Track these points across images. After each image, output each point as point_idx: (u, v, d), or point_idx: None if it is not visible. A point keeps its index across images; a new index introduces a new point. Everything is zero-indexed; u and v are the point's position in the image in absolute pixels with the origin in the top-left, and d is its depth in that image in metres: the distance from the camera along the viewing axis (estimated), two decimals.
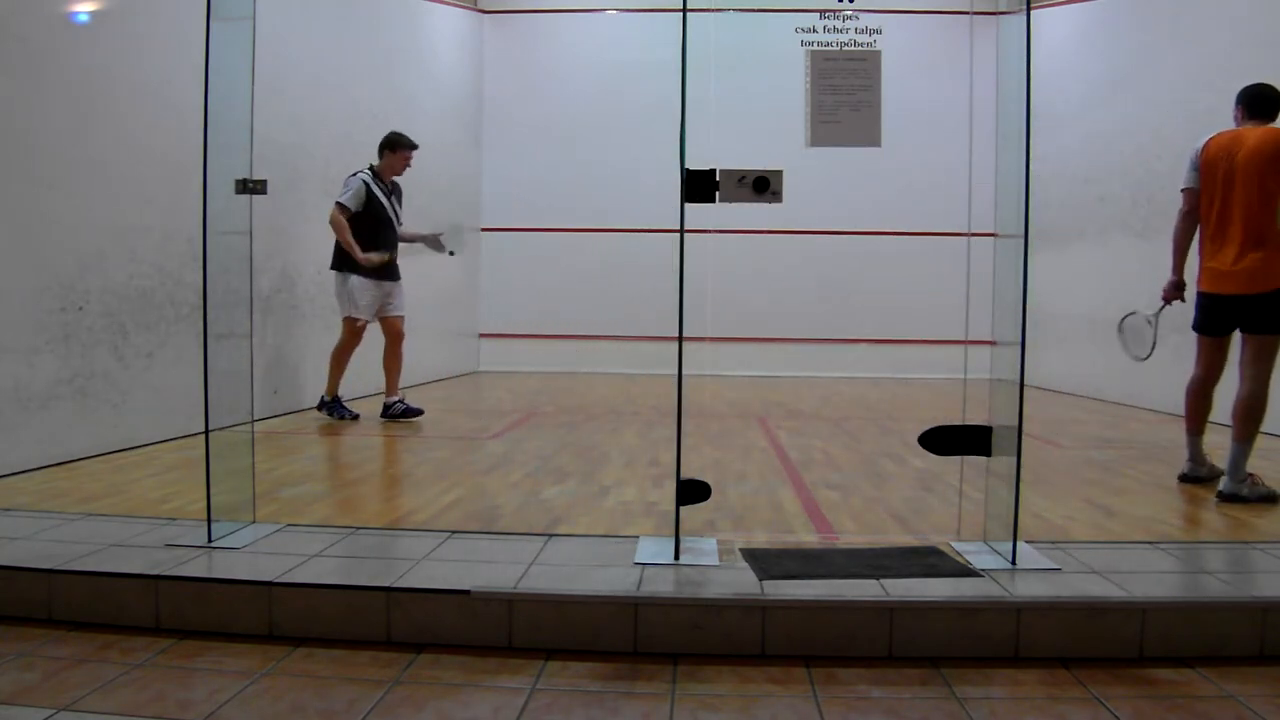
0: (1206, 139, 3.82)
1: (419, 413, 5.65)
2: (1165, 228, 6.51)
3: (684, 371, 2.80)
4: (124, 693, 2.10)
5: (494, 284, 9.36)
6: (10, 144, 3.87)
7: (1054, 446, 5.01)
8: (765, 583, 2.50)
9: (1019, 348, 2.67)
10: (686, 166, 2.74)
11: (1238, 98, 3.82)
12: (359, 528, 3.06)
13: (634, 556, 2.74)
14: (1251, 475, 3.64)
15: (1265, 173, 3.55)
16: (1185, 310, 4.04)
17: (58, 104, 4.08)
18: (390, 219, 5.59)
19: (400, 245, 5.74)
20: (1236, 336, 3.80)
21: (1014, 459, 2.70)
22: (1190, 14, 6.56)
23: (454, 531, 3.03)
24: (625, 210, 8.86)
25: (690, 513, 2.95)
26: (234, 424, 2.95)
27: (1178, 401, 4.07)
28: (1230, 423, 3.67)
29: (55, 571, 2.54)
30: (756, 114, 7.67)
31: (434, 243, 5.92)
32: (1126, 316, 4.30)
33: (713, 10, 3.25)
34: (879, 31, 2.85)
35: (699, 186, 2.74)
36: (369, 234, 5.45)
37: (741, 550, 2.81)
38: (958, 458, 2.95)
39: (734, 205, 2.76)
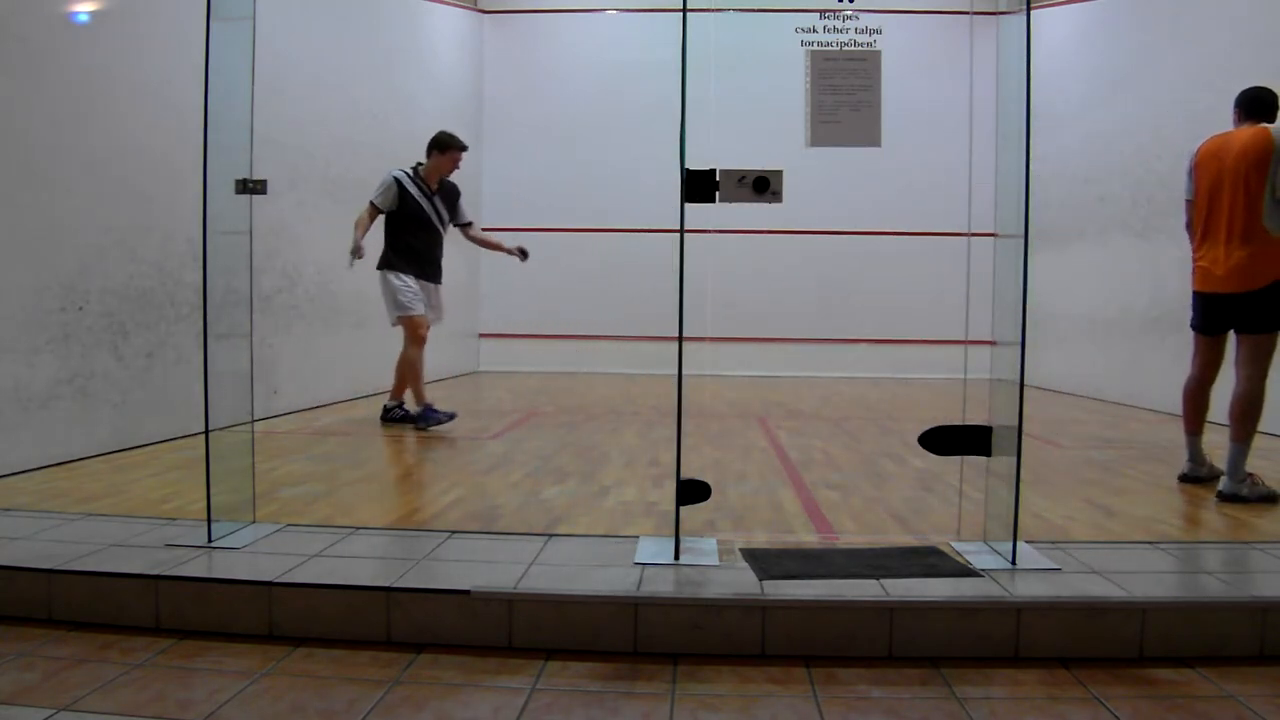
0: (1199, 144, 3.86)
1: (414, 420, 5.53)
2: (1165, 227, 6.57)
3: (684, 371, 2.80)
4: (124, 693, 2.10)
5: (494, 284, 9.35)
6: (10, 144, 3.87)
7: (1054, 446, 5.01)
8: (765, 583, 2.50)
9: (1019, 348, 2.67)
10: (686, 166, 2.74)
11: (1236, 101, 3.83)
12: (359, 528, 3.06)
13: (634, 556, 2.74)
14: (1251, 475, 3.64)
15: (1250, 172, 3.58)
16: (1184, 309, 4.05)
17: (58, 104, 4.08)
18: (430, 220, 5.40)
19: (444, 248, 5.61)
20: (1232, 336, 3.80)
21: (1014, 459, 2.70)
22: (1190, 14, 6.57)
23: (454, 531, 3.03)
24: (625, 210, 8.86)
25: (690, 513, 2.95)
26: (234, 424, 2.95)
27: (1177, 401, 4.07)
28: (1228, 423, 3.68)
29: (55, 571, 2.54)
30: (756, 114, 7.67)
31: (519, 254, 5.85)
32: None
33: (713, 10, 3.25)
34: (879, 31, 2.85)
35: (699, 186, 2.74)
36: (405, 234, 5.29)
37: (741, 550, 2.81)
38: (958, 458, 2.95)
39: (734, 205, 2.76)
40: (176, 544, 2.79)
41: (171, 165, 4.60)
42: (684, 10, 2.69)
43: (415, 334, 5.34)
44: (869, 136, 2.83)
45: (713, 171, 2.74)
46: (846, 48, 2.84)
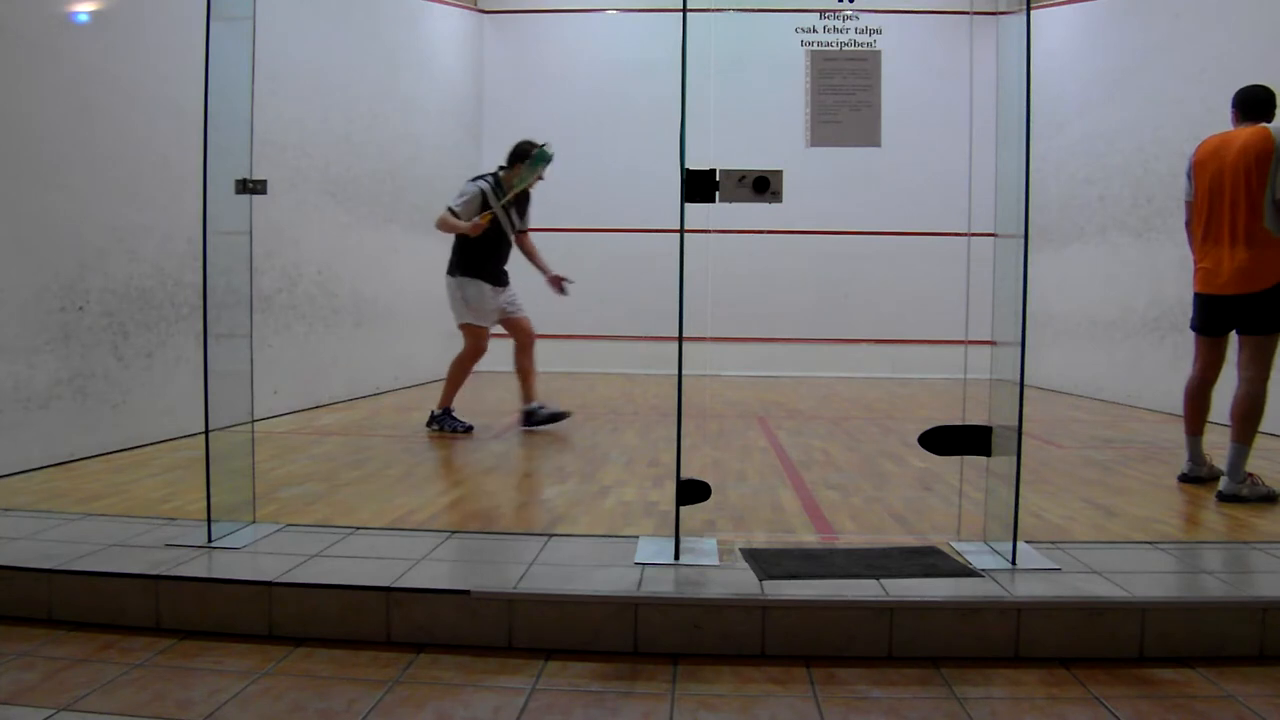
0: (1198, 145, 3.86)
1: (565, 415, 5.47)
2: (1165, 227, 6.58)
3: (684, 371, 2.80)
4: (124, 693, 2.10)
5: None
6: (10, 144, 3.87)
7: (1054, 446, 5.01)
8: (765, 583, 2.50)
9: (1019, 348, 2.67)
10: (686, 166, 2.74)
11: (1233, 100, 3.83)
12: (359, 528, 3.06)
13: (634, 556, 2.74)
14: (1251, 475, 3.64)
15: (1252, 172, 3.57)
16: (1184, 309, 4.05)
17: (58, 104, 4.08)
18: (506, 231, 5.31)
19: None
20: (1234, 337, 3.81)
21: (1014, 459, 2.70)
22: (1190, 14, 6.57)
23: (454, 531, 3.03)
24: (625, 210, 8.86)
25: (690, 513, 2.95)
26: (234, 424, 2.95)
27: (1178, 401, 4.07)
28: (1229, 423, 3.68)
29: (55, 571, 2.54)
30: (756, 114, 7.68)
31: (556, 284, 5.71)
32: None
33: (713, 10, 3.25)
34: (879, 31, 2.85)
35: (699, 186, 2.74)
36: (481, 242, 5.16)
37: (741, 550, 2.81)
38: (958, 458, 2.95)
39: (734, 205, 2.76)
40: (176, 544, 2.79)
41: (171, 165, 4.60)
42: (684, 10, 2.69)
43: (478, 344, 5.32)
44: (869, 136, 2.83)
45: (713, 171, 2.74)
46: (846, 48, 2.84)
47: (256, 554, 2.73)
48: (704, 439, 5.10)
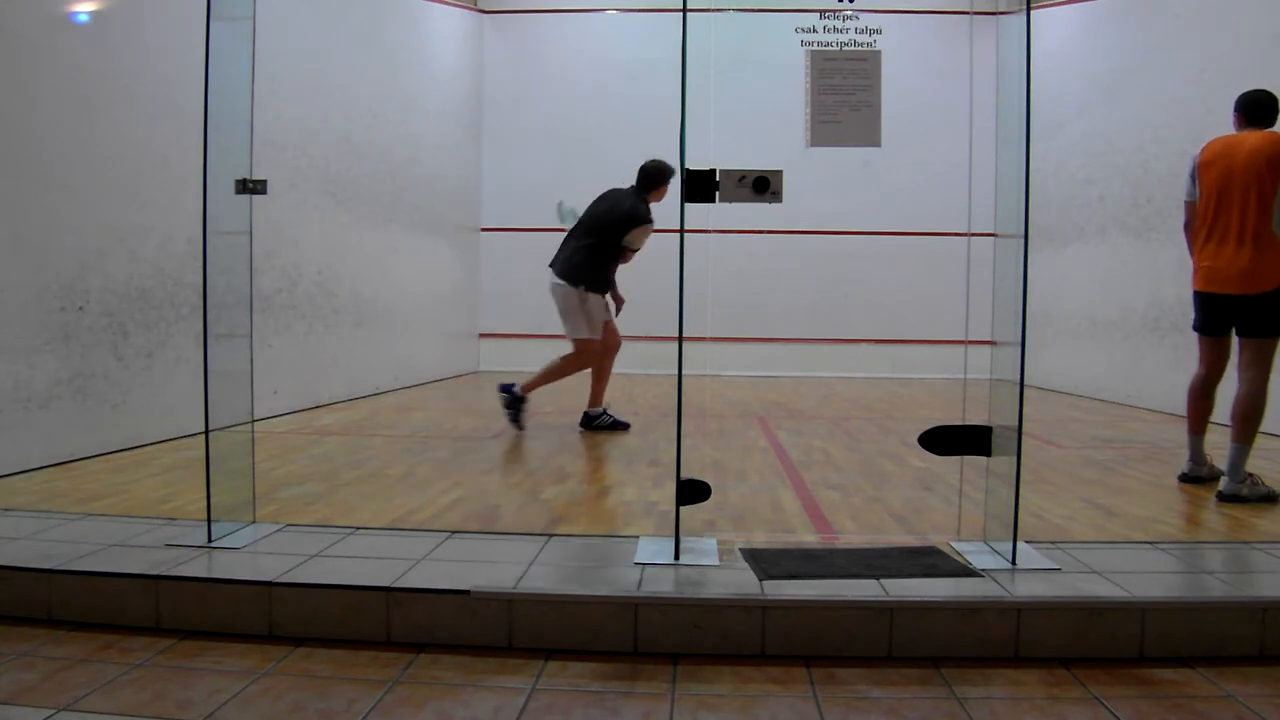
0: (1202, 146, 3.84)
1: (625, 427, 5.43)
2: (1164, 227, 6.58)
3: (684, 371, 2.80)
4: (124, 693, 2.10)
5: (494, 284, 9.35)
6: (10, 144, 3.87)
7: (1054, 446, 5.01)
8: (765, 583, 2.50)
9: (1019, 348, 2.67)
10: (686, 166, 2.74)
11: (1236, 104, 3.82)
12: (359, 528, 3.06)
13: (634, 556, 2.74)
14: (1251, 475, 3.64)
15: (1264, 175, 3.57)
16: (1184, 309, 4.05)
17: (58, 104, 4.08)
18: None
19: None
20: (1235, 336, 3.81)
21: (1014, 459, 2.70)
22: (1190, 14, 6.57)
23: (454, 531, 3.03)
24: None
25: (690, 513, 2.95)
26: (234, 424, 2.95)
27: (1178, 401, 4.07)
28: (1230, 423, 3.68)
29: (55, 571, 2.54)
30: (756, 114, 7.67)
31: (619, 302, 5.61)
32: None
33: (713, 10, 3.25)
34: (879, 31, 2.85)
35: (699, 186, 2.74)
36: (613, 260, 5.27)
37: (741, 550, 2.81)
38: (958, 458, 2.95)
39: (734, 205, 2.76)
40: (176, 544, 2.79)
41: (171, 165, 4.60)
42: (684, 10, 2.69)
43: (591, 357, 5.33)
44: (869, 136, 2.83)
45: (713, 171, 2.74)
46: (846, 48, 2.84)
47: (256, 554, 2.73)
48: (704, 439, 5.10)
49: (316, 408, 6.19)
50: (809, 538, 3.09)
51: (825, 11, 2.83)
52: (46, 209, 4.05)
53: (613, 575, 2.57)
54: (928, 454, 2.95)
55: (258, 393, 3.17)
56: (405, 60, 7.92)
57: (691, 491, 2.81)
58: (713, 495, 2.92)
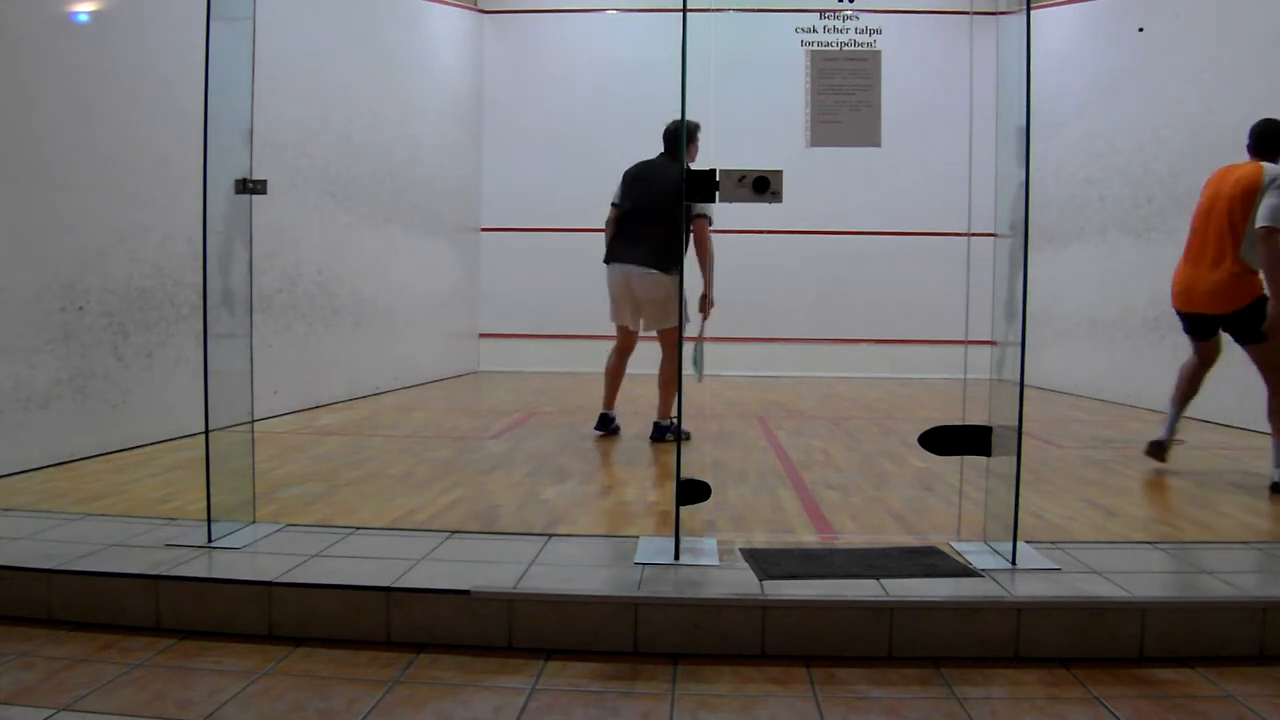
0: (1219, 169, 4.05)
1: (687, 436, 4.98)
2: (1165, 227, 6.58)
3: (684, 371, 2.80)
4: (124, 693, 2.10)
5: (494, 284, 9.36)
6: (10, 144, 3.87)
7: (1054, 446, 5.01)
8: (765, 583, 2.50)
9: (1019, 348, 2.67)
10: (686, 166, 2.74)
11: (1250, 132, 3.95)
12: (359, 528, 3.06)
13: (634, 556, 2.74)
14: None
15: (1237, 205, 3.80)
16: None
17: (58, 104, 4.08)
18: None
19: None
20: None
21: (1014, 459, 2.70)
22: (1190, 14, 6.57)
23: (454, 531, 3.03)
24: None
25: (690, 513, 2.95)
26: (234, 424, 2.95)
27: None
28: (1270, 428, 3.85)
29: (55, 571, 2.54)
30: (756, 114, 7.67)
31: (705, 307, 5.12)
32: None
33: (713, 10, 3.25)
34: (879, 31, 2.85)
35: (699, 186, 2.74)
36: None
37: (741, 550, 2.81)
38: (958, 458, 2.95)
39: (734, 205, 2.77)
40: (176, 544, 2.79)
41: (171, 165, 4.60)
42: (684, 10, 2.69)
43: (677, 344, 4.53)
44: (869, 136, 2.83)
45: (713, 171, 2.74)
46: (846, 48, 2.84)
47: (256, 554, 2.73)
48: (704, 439, 5.10)
49: (316, 408, 6.19)
50: (809, 538, 3.09)
51: (825, 11, 2.83)
52: (46, 209, 4.04)
53: (613, 575, 2.57)
54: (928, 454, 2.95)
55: (258, 393, 3.17)
56: (405, 60, 7.92)
57: (691, 491, 2.81)
58: (713, 495, 2.92)
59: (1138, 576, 2.60)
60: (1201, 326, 4.04)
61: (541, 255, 9.32)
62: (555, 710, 2.06)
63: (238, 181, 2.89)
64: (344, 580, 2.50)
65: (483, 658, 2.34)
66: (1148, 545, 2.95)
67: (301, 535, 2.94)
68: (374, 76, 7.23)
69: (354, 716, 2.01)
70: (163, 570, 2.54)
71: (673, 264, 4.69)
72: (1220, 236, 3.84)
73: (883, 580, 2.53)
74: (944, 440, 2.91)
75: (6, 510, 3.20)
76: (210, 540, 2.81)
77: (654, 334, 5.08)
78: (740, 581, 2.52)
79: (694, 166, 2.75)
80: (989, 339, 2.86)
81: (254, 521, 3.03)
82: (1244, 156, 3.99)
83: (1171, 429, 4.24)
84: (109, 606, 2.50)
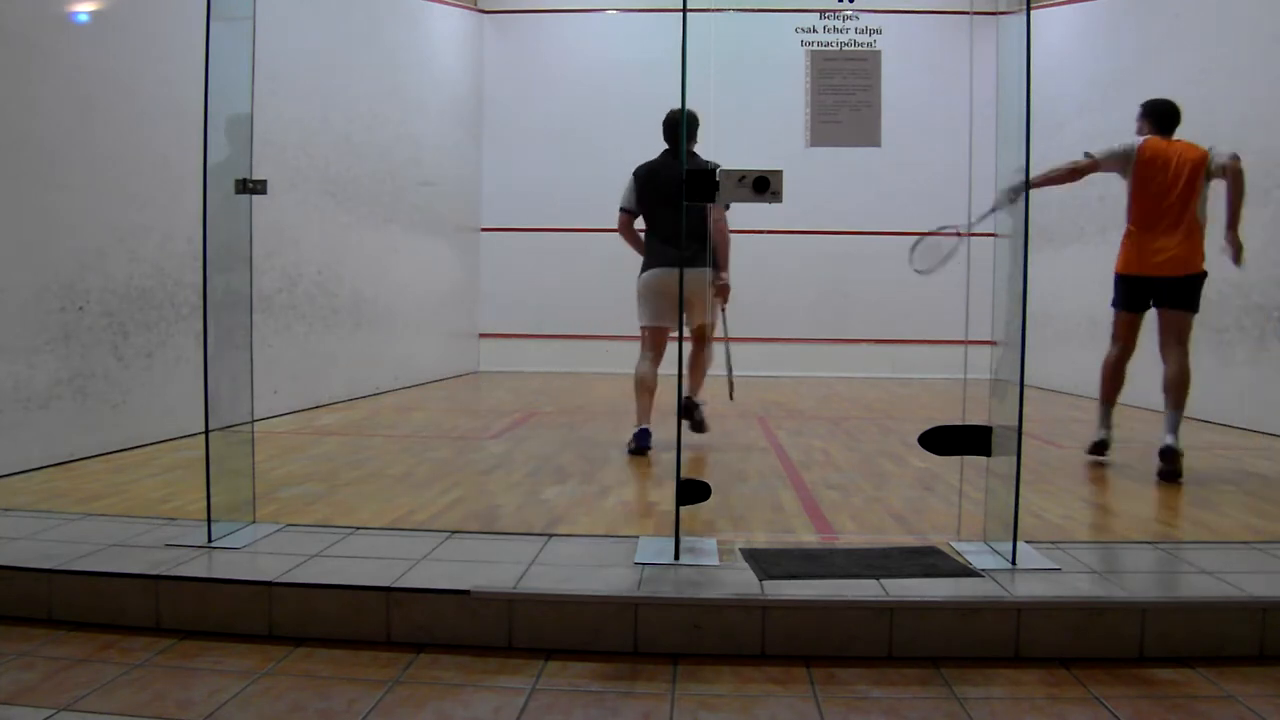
0: (1141, 142, 4.33)
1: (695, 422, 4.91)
2: None
3: (684, 371, 2.80)
4: (124, 693, 2.10)
5: (494, 284, 9.36)
6: (10, 144, 3.87)
7: (1054, 446, 5.01)
8: (765, 583, 2.50)
9: (1019, 348, 2.67)
10: (686, 166, 2.74)
11: (1144, 110, 4.42)
12: (359, 528, 3.06)
13: (634, 556, 2.73)
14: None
15: (1196, 182, 4.19)
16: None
17: (58, 104, 4.08)
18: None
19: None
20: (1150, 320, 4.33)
21: (1014, 459, 2.70)
22: (1190, 14, 6.57)
23: (454, 531, 3.03)
24: None
25: (690, 513, 2.95)
26: (234, 424, 2.95)
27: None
28: (1166, 395, 4.18)
29: (55, 571, 2.54)
30: (756, 114, 7.67)
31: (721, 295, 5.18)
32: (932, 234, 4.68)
33: (713, 10, 3.25)
34: (879, 31, 2.85)
35: (699, 186, 2.74)
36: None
37: (741, 550, 2.81)
38: (958, 458, 2.95)
39: (734, 205, 2.77)
40: (176, 544, 2.79)
41: (171, 165, 4.60)
42: (684, 10, 2.69)
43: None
44: (869, 136, 2.83)
45: (713, 171, 2.74)
46: (846, 48, 2.84)
47: (256, 554, 2.73)
48: (704, 439, 5.10)
49: (316, 408, 6.19)
50: (809, 538, 3.09)
51: (825, 11, 2.83)
52: (46, 209, 4.04)
53: (613, 575, 2.57)
54: (928, 454, 2.95)
55: (258, 393, 3.17)
56: (405, 60, 7.92)
57: (691, 491, 2.81)
58: (713, 495, 2.92)
59: (1138, 576, 2.60)
60: (1144, 295, 4.31)
61: (541, 255, 9.33)
62: (555, 710, 2.06)
63: (238, 181, 2.88)
64: (344, 580, 2.50)
65: (483, 658, 2.34)
66: (1148, 545, 2.95)
67: (301, 535, 2.94)
68: (374, 76, 7.23)
69: (354, 716, 2.01)
70: (163, 570, 2.54)
71: (710, 261, 4.67)
72: (1184, 209, 4.19)
73: (883, 580, 2.53)
74: (944, 440, 2.91)
75: (6, 510, 3.20)
76: (210, 540, 2.81)
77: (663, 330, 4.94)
78: (740, 581, 2.52)
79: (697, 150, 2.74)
80: (989, 339, 2.86)
81: (254, 521, 3.02)
82: (1243, 156, 4.11)
83: (1109, 425, 4.45)
84: (109, 606, 2.50)
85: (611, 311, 9.02)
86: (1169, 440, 4.06)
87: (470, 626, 2.40)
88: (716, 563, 2.68)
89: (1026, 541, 2.87)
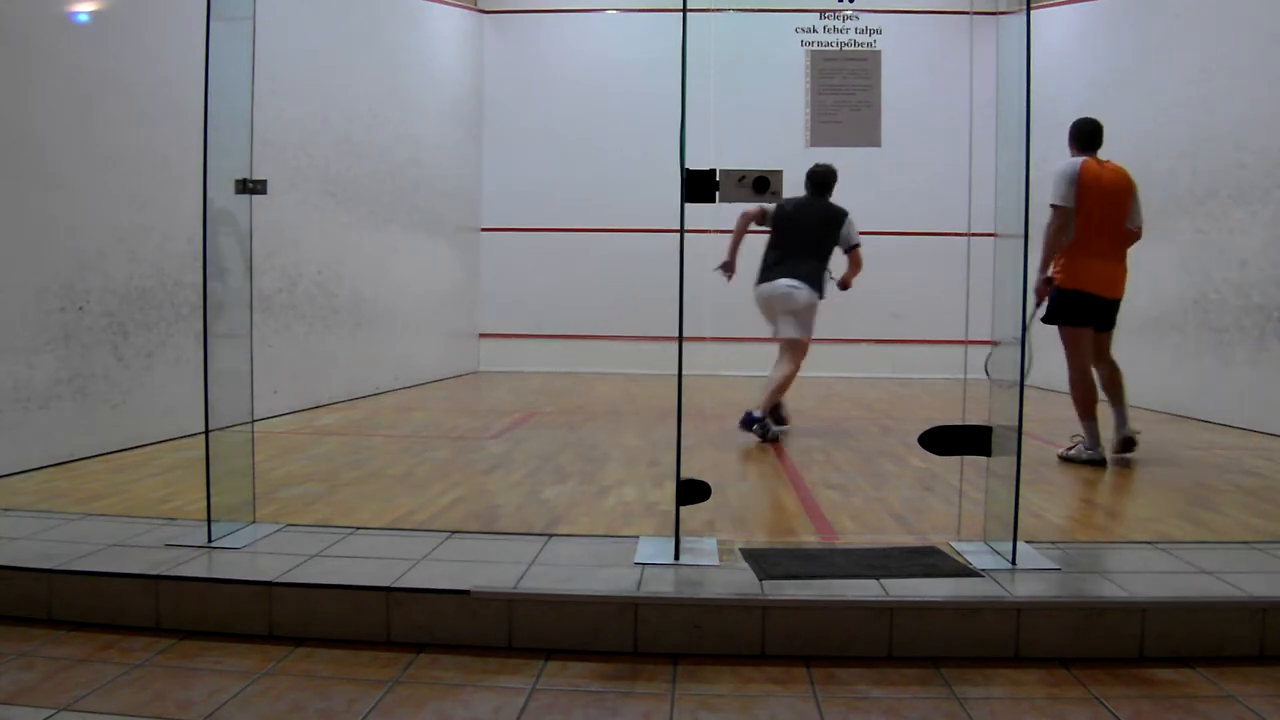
0: (1079, 163, 4.43)
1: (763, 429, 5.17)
2: (1163, 227, 6.55)
3: (684, 371, 2.80)
4: (124, 693, 2.10)
5: (494, 284, 9.35)
6: (10, 144, 3.87)
7: (1054, 446, 5.01)
8: (765, 583, 2.50)
9: (1019, 348, 2.67)
10: (686, 166, 2.74)
11: (1072, 132, 4.58)
12: (359, 528, 3.06)
13: (634, 556, 2.74)
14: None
15: (1123, 204, 4.38)
16: (1184, 310, 4.10)
17: (58, 104, 4.08)
18: None
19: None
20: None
21: (1014, 459, 2.70)
22: (1190, 14, 6.56)
23: (454, 531, 3.03)
24: (625, 210, 8.85)
25: (690, 513, 2.95)
26: (234, 424, 2.95)
27: (1177, 401, 4.10)
28: (1109, 398, 4.50)
29: (55, 571, 2.54)
30: (756, 114, 7.67)
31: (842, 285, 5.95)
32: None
33: (713, 10, 3.25)
34: (879, 31, 2.85)
35: (699, 186, 2.74)
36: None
37: (741, 550, 2.81)
38: (958, 458, 2.95)
39: (735, 205, 2.77)
40: (176, 544, 2.79)
41: (171, 165, 4.60)
42: (684, 10, 2.69)
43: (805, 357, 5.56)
44: (869, 136, 2.83)
45: (713, 171, 2.74)
46: (846, 48, 2.84)
47: (256, 554, 2.73)
48: (704, 439, 5.10)
49: (316, 408, 6.19)
50: (809, 538, 3.09)
51: (825, 11, 2.83)
52: (46, 209, 4.04)
53: (613, 575, 2.57)
54: (928, 454, 2.96)
55: (258, 393, 3.17)
56: (405, 60, 7.92)
57: (691, 491, 2.81)
58: (713, 495, 2.92)
59: (1138, 576, 2.60)
60: (1099, 314, 4.50)
61: (541, 255, 9.32)
62: (555, 710, 2.06)
63: (238, 181, 2.89)
64: (344, 580, 2.50)
65: (483, 658, 2.34)
66: (1148, 545, 2.95)
67: (301, 535, 2.94)
68: (374, 76, 7.22)
69: (354, 716, 2.01)
70: (163, 570, 2.54)
71: (821, 288, 5.57)
72: (1116, 232, 4.41)
73: (883, 580, 2.53)
74: (944, 440, 2.91)
75: (6, 510, 3.20)
76: (210, 540, 2.81)
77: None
78: (740, 581, 2.52)
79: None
80: (989, 339, 2.86)
81: (254, 521, 3.03)
82: (1242, 156, 4.08)
83: (1098, 439, 4.47)
84: (109, 606, 2.50)
85: (612, 311, 9.05)
86: (1126, 432, 4.42)
87: (470, 626, 2.40)
88: (716, 563, 2.68)
89: (1026, 541, 2.87)
